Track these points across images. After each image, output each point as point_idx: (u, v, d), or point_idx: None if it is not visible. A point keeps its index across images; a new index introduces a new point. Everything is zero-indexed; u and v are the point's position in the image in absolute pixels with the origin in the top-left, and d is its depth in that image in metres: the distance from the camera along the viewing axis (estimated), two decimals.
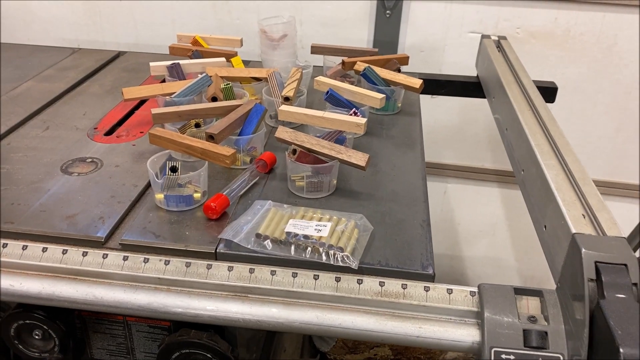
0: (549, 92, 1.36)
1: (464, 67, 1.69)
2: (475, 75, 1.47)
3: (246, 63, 1.52)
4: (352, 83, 1.32)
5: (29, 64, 1.39)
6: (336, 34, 1.72)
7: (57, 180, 0.91)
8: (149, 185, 0.91)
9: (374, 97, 1.05)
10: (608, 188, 1.80)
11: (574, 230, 0.67)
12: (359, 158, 0.86)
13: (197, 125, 0.97)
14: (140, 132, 1.07)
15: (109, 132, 1.08)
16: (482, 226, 2.02)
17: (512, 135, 1.01)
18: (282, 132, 0.90)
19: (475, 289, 0.73)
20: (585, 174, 0.80)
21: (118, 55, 1.50)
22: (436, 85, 1.42)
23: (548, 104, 1.06)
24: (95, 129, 1.08)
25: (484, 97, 1.39)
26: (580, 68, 1.66)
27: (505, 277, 2.09)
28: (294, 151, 0.88)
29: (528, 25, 1.62)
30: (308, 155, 0.88)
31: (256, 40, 1.81)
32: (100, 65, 1.40)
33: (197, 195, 0.85)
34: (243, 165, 0.97)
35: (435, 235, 0.93)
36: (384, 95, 1.05)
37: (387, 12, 1.66)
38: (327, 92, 1.07)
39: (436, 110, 1.75)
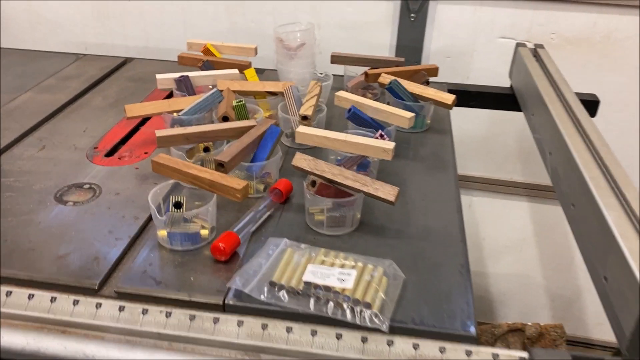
0: (590, 105, 1.24)
1: (494, 74, 1.58)
2: (509, 85, 1.36)
3: (261, 71, 1.42)
4: (375, 95, 1.22)
5: (30, 72, 1.30)
6: (356, 38, 1.62)
7: (49, 211, 0.82)
8: (151, 218, 0.81)
9: (402, 117, 0.94)
10: None
11: None
12: (387, 192, 0.75)
13: (206, 150, 0.87)
14: (145, 153, 0.98)
15: (110, 153, 0.99)
16: (509, 241, 1.90)
17: (557, 161, 0.90)
18: (300, 160, 0.80)
19: (525, 355, 0.62)
20: None
21: (125, 62, 1.41)
22: (466, 96, 1.30)
23: None
24: (95, 148, 0.99)
25: (518, 110, 1.27)
26: (621, 77, 1.54)
27: (532, 295, 1.98)
28: (313, 183, 0.77)
29: (564, 30, 1.50)
30: (329, 187, 0.78)
31: (272, 45, 1.71)
32: (105, 74, 1.30)
33: (204, 232, 0.75)
34: (256, 193, 0.87)
35: None
36: (413, 115, 0.94)
37: (412, 15, 1.54)
38: (350, 110, 0.96)
39: (462, 119, 1.63)
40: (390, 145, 0.84)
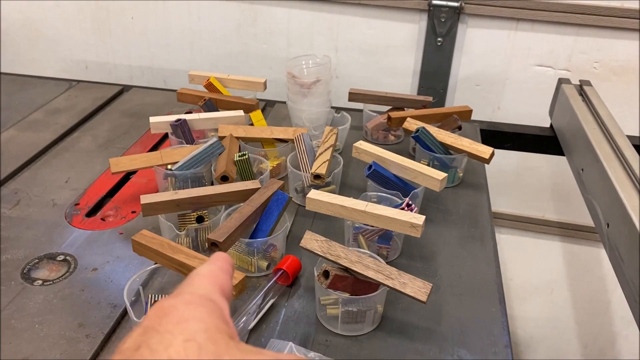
0: None
1: (528, 106, 1.43)
2: (549, 125, 1.20)
3: (271, 104, 1.29)
4: (397, 137, 1.08)
5: (17, 103, 1.18)
6: (377, 63, 1.48)
7: (13, 294, 0.69)
8: (133, 304, 0.68)
9: (433, 178, 0.80)
10: None
11: None
12: (417, 289, 0.61)
13: (200, 220, 0.74)
14: (132, 212, 0.85)
15: (93, 211, 0.85)
16: (539, 283, 1.75)
17: (618, 238, 0.75)
18: (310, 242, 0.66)
19: None
20: None
21: (122, 91, 1.27)
22: (500, 137, 1.16)
23: None
24: (76, 205, 0.86)
25: (560, 154, 1.12)
26: None
27: (562, 341, 1.83)
28: (326, 274, 0.63)
29: (609, 59, 1.35)
30: (346, 277, 0.64)
31: (285, 70, 1.59)
32: (97, 107, 1.17)
33: None
34: (258, 271, 0.73)
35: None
36: (445, 175, 0.80)
37: (439, 39, 1.40)
38: (370, 167, 0.82)
39: None
40: (419, 220, 0.70)
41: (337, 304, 0.65)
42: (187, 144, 0.92)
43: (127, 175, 0.94)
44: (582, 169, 0.93)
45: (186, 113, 1.17)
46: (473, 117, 1.24)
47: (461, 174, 0.96)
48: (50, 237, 0.79)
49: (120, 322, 0.66)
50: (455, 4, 1.33)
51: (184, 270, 0.63)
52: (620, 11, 1.28)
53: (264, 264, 0.73)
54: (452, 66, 1.44)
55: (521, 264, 1.73)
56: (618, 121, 1.21)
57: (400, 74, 1.49)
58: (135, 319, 0.59)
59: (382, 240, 0.76)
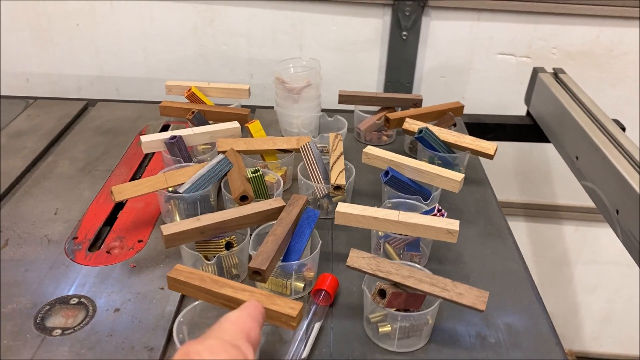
0: None
1: (492, 93, 1.47)
2: (524, 113, 1.24)
3: (252, 110, 1.24)
4: (390, 137, 1.07)
5: None
6: (344, 59, 1.46)
7: (32, 348, 0.62)
8: (168, 343, 0.63)
9: (451, 179, 0.79)
10: None
11: None
12: (475, 298, 0.60)
13: (229, 246, 0.69)
14: (139, 242, 0.79)
15: (95, 244, 0.79)
16: None
17: (631, 223, 0.78)
18: (358, 260, 0.64)
19: None
20: None
21: (86, 106, 1.18)
22: (483, 129, 1.18)
23: None
24: (75, 239, 0.79)
25: (544, 141, 1.15)
26: (622, 90, 1.47)
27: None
28: (382, 293, 0.61)
29: (565, 44, 1.41)
30: (400, 294, 0.62)
31: (248, 70, 1.54)
32: (65, 126, 1.08)
33: None
34: (294, 294, 0.70)
35: None
36: (463, 176, 0.80)
37: (404, 33, 1.40)
38: (387, 172, 0.81)
39: None
40: (455, 225, 0.69)
41: (386, 320, 0.64)
42: (183, 162, 0.86)
43: (121, 202, 0.87)
44: (577, 157, 0.96)
45: (163, 126, 1.11)
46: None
47: (464, 171, 0.96)
48: (56, 278, 0.72)
49: None
50: None
51: (231, 304, 0.59)
52: None
53: (300, 285, 0.70)
54: (417, 59, 1.45)
55: None
56: None
57: (366, 69, 1.48)
58: None
59: (411, 247, 0.75)
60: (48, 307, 0.68)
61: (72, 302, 0.69)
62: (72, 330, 0.65)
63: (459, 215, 0.87)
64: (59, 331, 0.64)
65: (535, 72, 1.18)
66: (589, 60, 1.43)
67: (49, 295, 0.69)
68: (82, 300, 0.69)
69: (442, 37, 1.42)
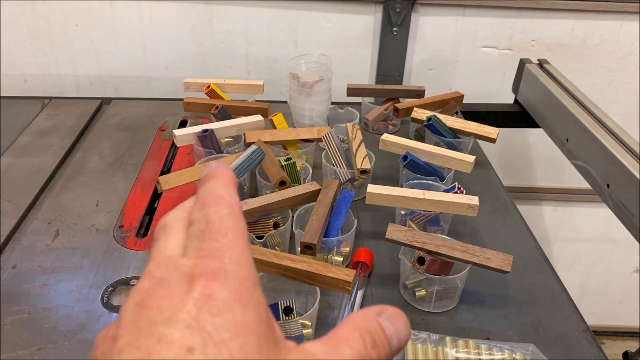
0: None
1: (476, 84, 1.57)
2: (512, 101, 1.34)
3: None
4: (395, 126, 1.15)
5: None
6: (337, 54, 1.54)
7: (104, 324, 0.68)
8: None
9: (464, 161, 0.88)
10: None
11: None
12: (501, 261, 0.69)
13: (276, 226, 0.76)
14: None
15: (142, 230, 0.84)
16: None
17: (623, 195, 0.88)
18: (395, 232, 0.72)
19: None
20: None
21: (101, 105, 1.23)
22: (476, 117, 1.27)
23: None
24: (121, 227, 0.84)
25: (532, 126, 1.26)
26: (596, 79, 1.59)
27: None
28: (421, 260, 0.70)
29: (544, 37, 1.52)
30: (435, 262, 0.71)
31: (244, 67, 1.59)
32: (85, 124, 1.13)
33: (307, 332, 0.66)
34: None
35: None
36: (474, 158, 0.89)
37: (394, 29, 1.49)
38: (405, 157, 0.89)
39: None
40: (475, 200, 0.78)
41: (421, 285, 0.72)
42: (215, 153, 0.93)
43: (155, 193, 0.93)
44: (567, 139, 1.06)
45: (181, 121, 1.17)
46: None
47: None
48: (112, 262, 0.77)
49: None
50: None
51: (291, 274, 0.66)
52: None
53: (340, 259, 0.78)
54: (407, 53, 1.54)
55: None
56: None
57: (359, 64, 1.56)
58: None
59: (432, 223, 0.84)
60: (111, 288, 0.73)
61: (132, 282, 0.74)
62: None
63: (469, 194, 0.96)
64: None
65: (522, 63, 1.28)
66: (566, 51, 1.54)
67: (109, 278, 0.75)
68: None
69: (430, 32, 1.51)
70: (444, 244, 0.71)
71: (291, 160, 0.85)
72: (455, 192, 0.81)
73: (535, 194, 1.80)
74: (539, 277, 0.79)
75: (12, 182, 0.93)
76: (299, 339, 0.65)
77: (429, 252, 0.71)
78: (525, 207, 1.83)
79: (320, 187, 0.81)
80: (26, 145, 1.04)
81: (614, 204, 0.91)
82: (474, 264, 0.70)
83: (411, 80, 1.59)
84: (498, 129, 1.01)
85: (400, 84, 1.57)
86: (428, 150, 0.90)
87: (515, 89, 1.32)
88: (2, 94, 1.48)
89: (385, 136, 0.94)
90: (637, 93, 1.60)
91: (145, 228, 0.85)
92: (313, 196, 0.80)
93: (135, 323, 0.22)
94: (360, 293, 0.73)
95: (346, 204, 0.78)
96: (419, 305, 0.72)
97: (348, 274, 0.65)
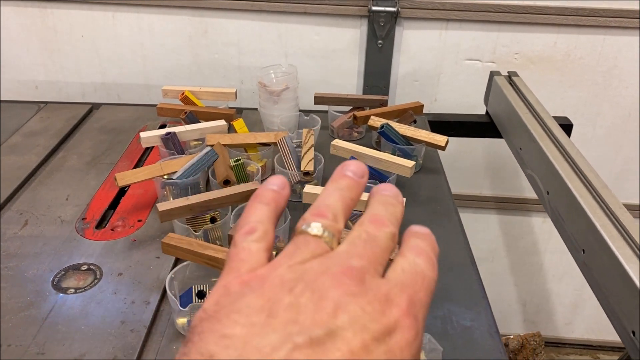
0: (564, 129, 1.28)
1: (461, 95, 1.61)
2: (484, 112, 1.38)
3: (239, 111, 1.38)
4: (360, 133, 1.21)
5: None
6: (325, 66, 1.60)
7: (50, 303, 0.76)
8: (162, 300, 0.77)
9: (403, 166, 0.93)
10: None
11: None
12: None
13: (213, 220, 0.83)
14: (139, 221, 0.93)
15: (101, 223, 0.93)
16: (480, 253, 1.95)
17: (558, 203, 0.92)
18: None
19: None
20: None
21: (91, 110, 1.33)
22: (445, 126, 1.32)
23: None
24: (84, 219, 0.93)
25: (498, 137, 1.30)
26: (580, 92, 1.61)
27: (504, 302, 2.04)
28: None
29: (526, 50, 1.55)
30: None
31: (239, 77, 1.68)
32: (73, 126, 1.23)
33: None
34: None
35: None
36: (414, 163, 0.94)
37: (379, 41, 1.55)
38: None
39: None
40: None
41: None
42: (177, 154, 1.01)
43: (123, 189, 1.01)
44: (521, 148, 1.10)
45: (160, 126, 1.25)
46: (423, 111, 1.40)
47: (421, 162, 1.10)
48: (69, 250, 0.86)
49: (157, 315, 0.75)
50: (393, 9, 1.48)
51: (215, 263, 0.73)
52: (534, 8, 1.47)
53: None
54: (392, 65, 1.59)
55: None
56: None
57: (346, 75, 1.62)
58: (181, 308, 0.69)
59: None
60: (63, 272, 0.82)
61: (82, 268, 0.83)
62: (83, 289, 0.78)
63: (414, 198, 1.01)
64: (73, 290, 0.78)
65: (492, 75, 1.32)
66: (549, 65, 1.57)
67: (62, 264, 0.83)
68: (91, 267, 0.83)
69: (414, 44, 1.56)
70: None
71: (240, 162, 0.92)
72: None
73: (524, 205, 1.82)
74: (462, 277, 0.83)
75: None
76: None
77: None
78: (515, 218, 1.85)
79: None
80: (15, 144, 1.15)
81: (551, 210, 0.95)
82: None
83: (397, 91, 1.64)
84: (447, 137, 1.05)
85: (387, 94, 1.63)
86: (372, 155, 0.96)
87: (486, 100, 1.36)
88: (13, 99, 1.60)
89: (336, 142, 1.00)
90: (621, 107, 1.61)
91: (106, 221, 0.93)
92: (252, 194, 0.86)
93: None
94: None
95: None
96: None
97: None
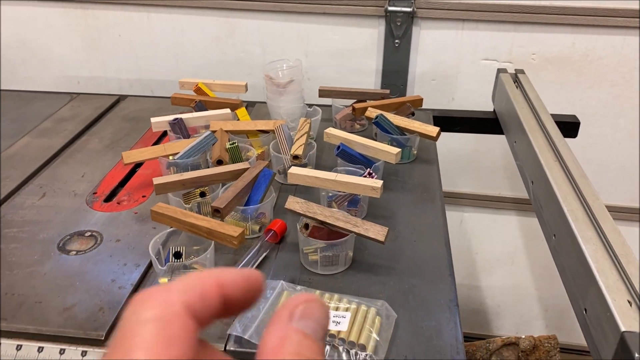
0: (570, 127, 1.29)
1: (478, 95, 1.63)
2: (492, 110, 1.40)
3: (252, 104, 1.46)
4: (362, 125, 1.26)
5: (26, 115, 1.34)
6: (344, 65, 1.66)
7: (54, 262, 0.85)
8: (151, 265, 0.85)
9: (389, 152, 0.98)
10: (631, 214, 1.72)
11: (622, 328, 0.60)
12: (377, 232, 0.79)
13: (203, 195, 0.91)
14: (142, 197, 1.01)
15: (109, 197, 1.02)
16: (501, 255, 1.95)
17: (539, 191, 0.94)
18: (293, 203, 0.84)
19: None
20: (627, 248, 0.72)
21: (118, 100, 1.44)
22: (451, 122, 1.35)
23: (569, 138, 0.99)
24: (94, 194, 1.02)
25: (502, 133, 1.31)
26: (600, 93, 1.59)
27: (526, 306, 2.02)
28: (307, 226, 0.81)
29: (544, 51, 1.56)
30: (321, 229, 0.82)
31: (262, 75, 1.76)
32: (99, 114, 1.34)
33: None
34: (252, 234, 0.91)
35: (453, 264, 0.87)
36: (399, 150, 0.98)
37: (396, 41, 1.59)
38: (339, 147, 1.00)
39: (450, 139, 1.68)
40: (378, 183, 0.88)
41: (316, 251, 0.83)
42: (184, 138, 1.09)
43: (134, 169, 1.11)
44: (515, 142, 1.12)
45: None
46: (432, 107, 1.44)
47: (415, 152, 1.14)
48: (77, 219, 0.95)
49: (145, 276, 0.83)
50: (409, 10, 1.52)
51: (194, 229, 0.80)
52: (551, 9, 1.48)
53: (256, 227, 0.90)
54: (409, 64, 1.63)
55: (484, 238, 1.92)
56: (554, 103, 1.38)
57: (364, 74, 1.67)
58: (160, 266, 0.76)
59: (350, 204, 0.94)
60: (68, 237, 0.91)
61: (86, 234, 0.92)
62: (84, 252, 0.87)
63: (403, 185, 1.05)
64: (74, 252, 0.87)
65: (498, 72, 1.34)
66: (567, 65, 1.57)
67: (69, 230, 0.92)
68: (93, 233, 0.92)
69: (431, 44, 1.60)
70: (331, 215, 0.82)
71: (235, 145, 0.99)
72: (365, 176, 0.91)
73: None
74: (434, 255, 0.87)
75: (25, 156, 1.14)
76: None
77: (319, 222, 0.82)
78: (536, 220, 1.84)
79: (249, 167, 0.94)
80: (45, 129, 1.27)
81: (534, 199, 0.97)
82: (354, 233, 0.80)
83: (414, 90, 1.68)
84: (438, 128, 1.09)
85: (404, 94, 1.67)
86: (361, 142, 1.01)
87: (493, 97, 1.38)
88: (67, 91, 1.74)
89: (330, 129, 1.06)
90: None
91: (114, 196, 1.03)
92: (242, 173, 0.93)
93: None
94: (264, 254, 0.85)
95: (265, 180, 0.91)
96: (311, 268, 0.83)
97: (235, 231, 0.77)
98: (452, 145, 1.69)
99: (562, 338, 2.04)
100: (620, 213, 1.71)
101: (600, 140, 1.65)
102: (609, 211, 0.79)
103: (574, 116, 1.33)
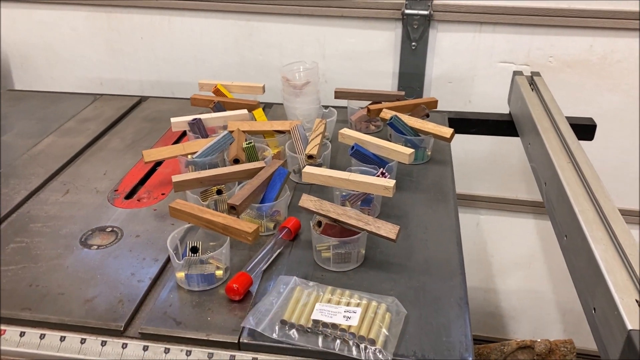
0: (587, 129, 1.29)
1: (494, 98, 1.63)
2: (508, 112, 1.41)
3: (269, 106, 1.48)
4: (377, 127, 1.27)
5: (51, 115, 1.38)
6: (361, 67, 1.68)
7: (76, 255, 0.88)
8: (169, 259, 0.87)
9: (402, 153, 0.99)
10: None
11: (629, 326, 0.61)
12: (388, 230, 0.80)
13: (219, 192, 0.93)
14: (162, 194, 1.04)
15: (130, 195, 1.05)
16: (517, 258, 1.94)
17: (551, 192, 0.95)
18: (306, 201, 0.86)
19: None
20: (636, 249, 0.73)
21: (140, 101, 1.48)
22: (466, 124, 1.36)
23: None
24: (115, 191, 1.06)
25: (517, 135, 1.32)
26: (619, 96, 1.58)
27: (543, 310, 2.01)
28: (319, 223, 0.83)
29: (561, 53, 1.55)
30: (334, 226, 0.83)
31: (279, 77, 1.78)
32: (121, 115, 1.38)
33: (219, 273, 0.81)
34: (267, 231, 0.93)
35: (468, 267, 0.88)
36: (412, 151, 1.00)
37: (413, 44, 1.60)
38: (353, 147, 1.02)
39: (467, 142, 1.69)
40: (390, 183, 0.89)
41: (329, 248, 0.85)
42: (202, 138, 1.12)
43: (154, 168, 1.14)
44: (530, 144, 1.13)
45: None
46: (447, 109, 1.45)
47: (429, 153, 1.16)
48: (99, 215, 0.98)
49: (163, 271, 0.85)
50: (425, 12, 1.53)
51: (211, 225, 0.82)
52: (568, 11, 1.48)
53: (271, 224, 0.92)
54: (426, 67, 1.64)
55: (500, 241, 1.92)
56: (572, 106, 1.37)
57: (381, 76, 1.68)
58: (177, 260, 0.79)
59: (364, 203, 0.96)
60: (90, 232, 0.94)
61: (107, 230, 0.95)
62: (105, 247, 0.90)
63: (417, 186, 1.07)
64: (96, 247, 0.90)
65: (514, 75, 1.35)
66: (585, 68, 1.56)
67: (92, 225, 0.96)
68: (114, 229, 0.95)
69: (447, 47, 1.61)
70: (344, 213, 0.83)
71: (251, 144, 1.02)
72: (378, 176, 0.93)
73: None
74: (445, 254, 0.88)
75: (50, 154, 1.18)
76: (210, 278, 0.81)
77: (332, 220, 0.84)
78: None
79: (264, 165, 0.96)
80: (69, 128, 1.31)
81: (547, 200, 0.98)
82: (366, 230, 0.82)
83: (431, 92, 1.69)
84: (452, 129, 1.10)
85: (421, 96, 1.68)
86: (375, 142, 1.03)
87: (509, 99, 1.39)
88: (82, 93, 1.79)
89: (344, 130, 1.08)
90: None
91: (135, 194, 1.06)
92: (257, 172, 0.95)
93: None
94: (278, 251, 0.87)
95: (280, 178, 0.93)
96: (324, 265, 0.85)
97: (250, 227, 0.80)
98: (469, 148, 1.69)
99: (579, 343, 2.02)
100: (638, 217, 1.69)
101: (619, 144, 1.63)
102: (626, 215, 0.79)
103: (591, 119, 1.33)
